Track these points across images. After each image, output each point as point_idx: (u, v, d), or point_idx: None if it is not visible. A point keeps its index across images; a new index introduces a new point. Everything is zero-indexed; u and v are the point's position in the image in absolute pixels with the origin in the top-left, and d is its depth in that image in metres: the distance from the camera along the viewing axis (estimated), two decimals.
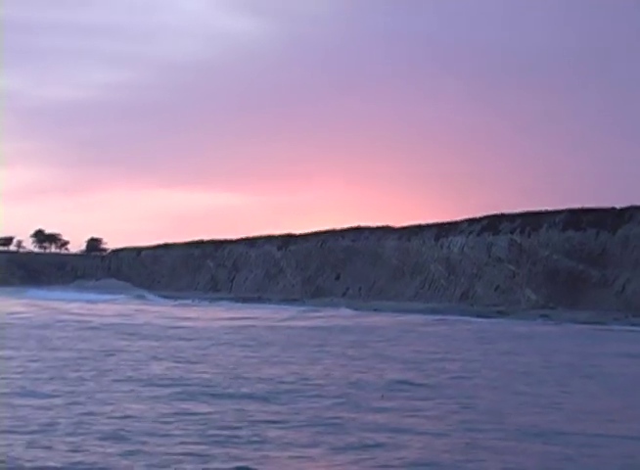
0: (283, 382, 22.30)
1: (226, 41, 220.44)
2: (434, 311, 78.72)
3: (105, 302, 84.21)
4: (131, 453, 12.66)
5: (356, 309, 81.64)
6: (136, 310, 67.91)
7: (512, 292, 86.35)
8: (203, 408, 17.44)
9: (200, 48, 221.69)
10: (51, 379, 21.48)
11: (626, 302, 74.75)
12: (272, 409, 17.51)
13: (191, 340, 36.00)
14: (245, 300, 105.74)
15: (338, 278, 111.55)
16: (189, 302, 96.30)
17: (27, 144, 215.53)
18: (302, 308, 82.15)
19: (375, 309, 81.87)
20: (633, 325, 62.22)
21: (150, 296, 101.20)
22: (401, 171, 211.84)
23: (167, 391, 19.99)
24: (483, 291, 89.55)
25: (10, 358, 26.22)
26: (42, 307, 65.73)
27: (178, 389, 20.33)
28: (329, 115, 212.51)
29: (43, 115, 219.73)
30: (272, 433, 14.77)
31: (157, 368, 24.59)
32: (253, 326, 47.18)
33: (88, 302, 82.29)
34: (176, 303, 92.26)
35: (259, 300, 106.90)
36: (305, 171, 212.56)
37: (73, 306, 70.55)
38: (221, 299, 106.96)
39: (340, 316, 64.81)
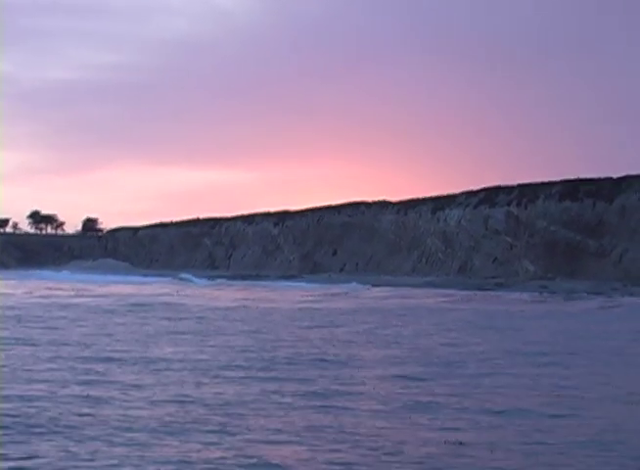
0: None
1: (218, 20, 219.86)
2: (431, 285, 78.76)
3: (140, 284, 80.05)
4: None
5: (366, 284, 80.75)
6: (211, 292, 64.63)
7: (510, 264, 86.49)
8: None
9: (192, 27, 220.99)
10: None
11: (624, 271, 74.94)
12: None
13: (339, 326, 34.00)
14: (243, 277, 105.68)
15: (335, 254, 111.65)
16: (225, 281, 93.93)
17: (22, 126, 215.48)
18: (315, 286, 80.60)
19: (376, 285, 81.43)
20: (631, 294, 62.35)
21: (186, 276, 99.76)
22: (398, 146, 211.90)
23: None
24: (481, 263, 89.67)
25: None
26: (95, 292, 59.25)
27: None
28: (325, 93, 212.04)
29: (37, 96, 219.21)
30: None
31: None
32: (319, 309, 44.37)
33: (129, 283, 78.23)
34: (214, 283, 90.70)
35: (257, 277, 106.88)
36: (301, 148, 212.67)
37: (129, 289, 65.82)
38: (220, 276, 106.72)
39: (369, 296, 60.70)
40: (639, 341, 28.45)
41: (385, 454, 11.34)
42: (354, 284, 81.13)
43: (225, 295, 60.85)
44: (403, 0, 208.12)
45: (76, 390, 15.82)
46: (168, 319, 34.59)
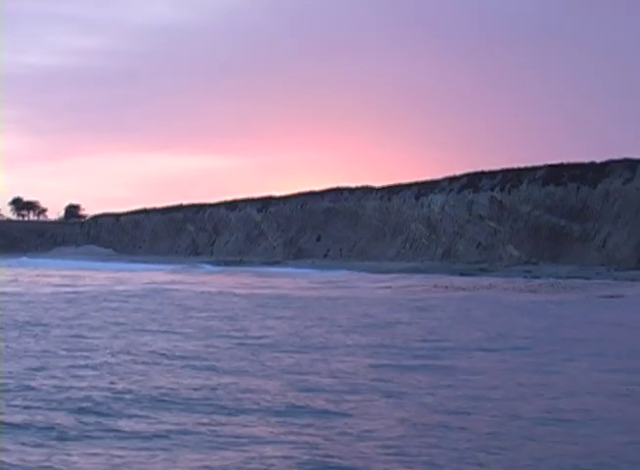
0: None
1: (200, 5, 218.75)
2: (416, 271, 78.76)
3: (146, 270, 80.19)
4: None
5: (358, 270, 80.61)
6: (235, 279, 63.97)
7: (494, 249, 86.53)
8: None
9: (173, 12, 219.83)
10: None
11: (608, 256, 75.10)
12: None
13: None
14: (227, 263, 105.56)
15: (319, 239, 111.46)
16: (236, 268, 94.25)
17: (4, 111, 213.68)
18: (307, 271, 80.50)
19: (365, 270, 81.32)
20: (615, 279, 62.52)
21: (195, 263, 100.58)
22: (381, 131, 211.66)
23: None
24: (465, 249, 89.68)
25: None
26: (114, 279, 59.08)
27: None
28: (307, 76, 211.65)
29: (18, 81, 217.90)
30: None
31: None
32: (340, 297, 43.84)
33: (133, 271, 78.23)
34: (221, 269, 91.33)
35: (241, 263, 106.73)
36: (285, 133, 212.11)
37: (141, 276, 65.98)
38: (203, 262, 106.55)
39: (363, 285, 58.22)
40: None
41: None
42: (344, 272, 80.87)
43: (246, 281, 60.58)
44: None
45: None
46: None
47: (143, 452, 10.61)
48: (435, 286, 54.86)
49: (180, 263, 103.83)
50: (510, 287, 54.07)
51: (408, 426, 12.21)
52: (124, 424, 12.03)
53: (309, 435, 11.59)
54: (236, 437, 11.41)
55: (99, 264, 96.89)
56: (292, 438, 11.43)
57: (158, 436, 11.43)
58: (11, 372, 16.15)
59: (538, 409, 13.59)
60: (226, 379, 16.03)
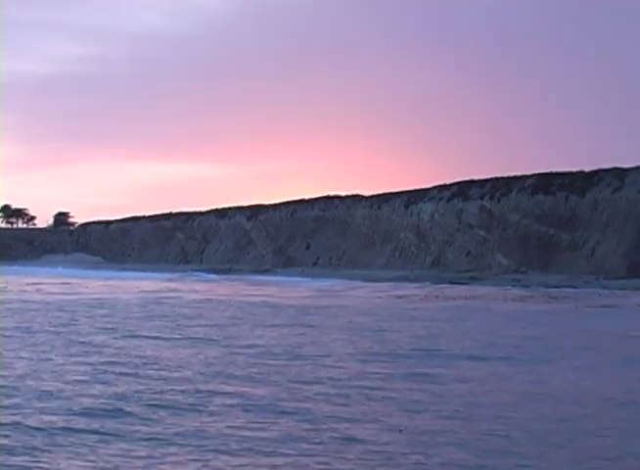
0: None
1: (189, 13, 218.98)
2: (406, 279, 78.80)
3: (147, 279, 79.72)
4: None
5: (348, 279, 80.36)
6: (248, 288, 63.00)
7: (483, 257, 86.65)
8: None
9: (162, 20, 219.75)
10: None
11: (597, 264, 75.24)
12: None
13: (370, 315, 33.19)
14: (216, 271, 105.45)
15: (308, 248, 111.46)
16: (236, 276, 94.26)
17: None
18: (306, 279, 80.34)
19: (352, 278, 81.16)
20: (604, 287, 62.64)
21: (194, 272, 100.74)
22: (370, 139, 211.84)
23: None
24: (455, 257, 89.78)
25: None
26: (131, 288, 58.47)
27: None
28: (297, 85, 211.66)
29: (8, 88, 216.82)
30: None
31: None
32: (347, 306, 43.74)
33: (135, 279, 77.81)
34: (218, 277, 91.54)
35: (230, 271, 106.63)
36: (274, 141, 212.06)
37: (138, 284, 65.77)
38: (194, 270, 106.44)
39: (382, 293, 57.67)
40: None
41: None
42: (336, 280, 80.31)
43: (249, 290, 60.13)
44: None
45: None
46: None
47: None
48: (426, 296, 54.74)
49: (172, 272, 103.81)
50: (501, 296, 53.96)
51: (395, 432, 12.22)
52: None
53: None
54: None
55: (91, 273, 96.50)
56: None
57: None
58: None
59: (524, 417, 13.59)
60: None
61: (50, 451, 10.78)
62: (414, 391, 16.08)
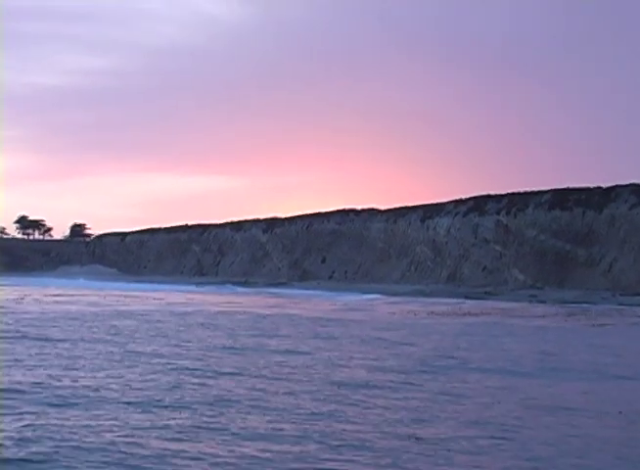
0: None
1: (205, 26, 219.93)
2: (421, 293, 78.66)
3: (177, 291, 79.36)
4: None
5: (364, 293, 79.78)
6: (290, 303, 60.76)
7: (499, 272, 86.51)
8: None
9: (178, 33, 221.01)
10: None
11: (613, 280, 75.02)
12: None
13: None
14: (232, 284, 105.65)
15: (324, 261, 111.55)
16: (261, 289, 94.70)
17: (11, 130, 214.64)
18: (330, 294, 79.85)
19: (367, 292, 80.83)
20: (620, 304, 62.38)
21: (229, 286, 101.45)
22: (387, 154, 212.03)
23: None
24: (470, 272, 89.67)
25: None
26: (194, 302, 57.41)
27: None
28: (314, 98, 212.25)
29: (26, 101, 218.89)
30: None
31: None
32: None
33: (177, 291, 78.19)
34: (247, 290, 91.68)
35: (246, 284, 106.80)
36: (291, 154, 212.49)
37: (174, 296, 65.14)
38: (208, 283, 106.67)
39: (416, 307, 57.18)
40: None
41: None
42: (373, 295, 79.20)
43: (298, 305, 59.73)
44: (401, 4, 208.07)
45: None
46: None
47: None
48: (469, 312, 52.82)
49: (207, 284, 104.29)
50: (525, 313, 52.67)
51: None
52: None
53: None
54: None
55: (116, 285, 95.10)
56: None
57: None
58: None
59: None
60: None
61: None
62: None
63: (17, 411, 13.62)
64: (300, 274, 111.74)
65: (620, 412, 15.65)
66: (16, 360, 20.05)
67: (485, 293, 77.32)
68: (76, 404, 14.48)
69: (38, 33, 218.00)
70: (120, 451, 11.17)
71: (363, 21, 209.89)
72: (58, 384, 16.59)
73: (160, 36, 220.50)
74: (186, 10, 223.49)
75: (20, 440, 11.58)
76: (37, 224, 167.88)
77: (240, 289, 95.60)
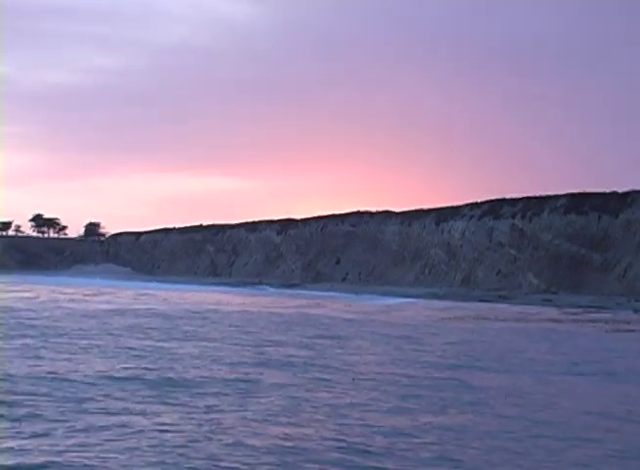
0: None
1: (222, 26, 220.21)
2: (435, 296, 78.50)
3: (207, 291, 79.09)
4: None
5: (382, 295, 79.09)
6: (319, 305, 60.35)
7: (513, 276, 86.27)
8: None
9: (193, 33, 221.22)
10: None
11: (629, 286, 74.67)
12: None
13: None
14: (245, 284, 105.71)
15: (338, 263, 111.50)
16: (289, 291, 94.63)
17: (26, 128, 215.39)
18: (353, 296, 78.95)
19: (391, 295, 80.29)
20: (635, 309, 61.91)
21: (263, 286, 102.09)
22: (402, 156, 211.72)
23: None
24: (485, 275, 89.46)
25: None
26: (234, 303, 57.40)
27: None
28: (328, 100, 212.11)
29: (42, 99, 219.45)
30: None
31: None
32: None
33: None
34: (280, 291, 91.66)
35: (259, 285, 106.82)
36: (306, 156, 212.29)
37: (208, 297, 65.13)
38: (222, 283, 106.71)
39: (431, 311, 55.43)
40: None
41: None
42: (377, 297, 78.45)
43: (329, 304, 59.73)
44: (407, 6, 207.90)
45: None
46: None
47: None
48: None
49: (236, 285, 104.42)
50: (549, 318, 51.24)
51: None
52: None
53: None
54: None
55: (136, 284, 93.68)
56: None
57: None
58: None
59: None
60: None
61: None
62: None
63: None
64: (314, 276, 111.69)
65: None
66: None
67: (499, 296, 77.05)
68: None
69: (53, 32, 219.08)
70: None
71: (377, 24, 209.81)
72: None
73: (175, 36, 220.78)
74: (201, 10, 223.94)
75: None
76: (52, 223, 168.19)
77: (271, 289, 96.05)
